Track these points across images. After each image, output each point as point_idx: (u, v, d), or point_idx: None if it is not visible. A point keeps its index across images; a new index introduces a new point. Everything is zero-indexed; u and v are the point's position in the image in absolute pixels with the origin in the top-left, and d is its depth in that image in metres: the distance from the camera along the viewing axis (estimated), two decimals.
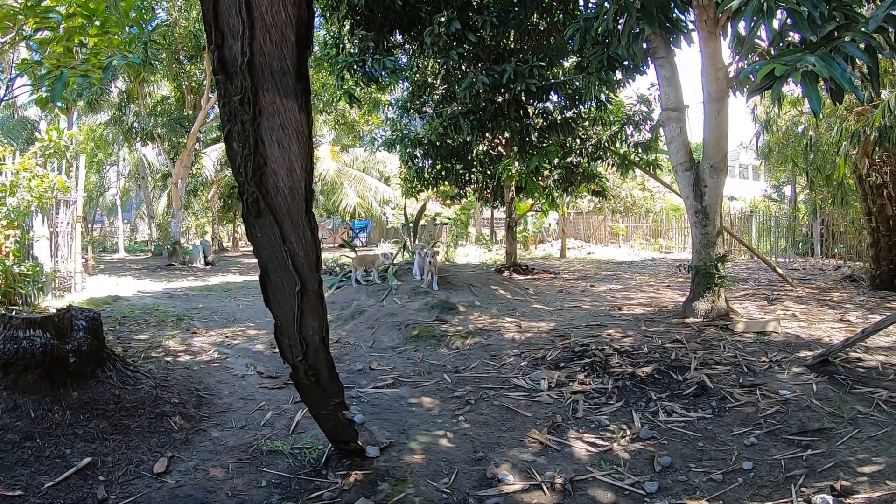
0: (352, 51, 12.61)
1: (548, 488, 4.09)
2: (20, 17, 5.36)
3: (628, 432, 5.07)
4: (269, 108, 3.29)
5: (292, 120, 3.31)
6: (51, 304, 10.02)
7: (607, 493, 4.06)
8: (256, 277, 3.83)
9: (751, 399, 5.62)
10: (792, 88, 14.86)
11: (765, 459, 4.43)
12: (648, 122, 15.33)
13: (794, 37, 6.96)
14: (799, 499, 3.78)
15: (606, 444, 4.87)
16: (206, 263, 22.41)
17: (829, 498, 3.67)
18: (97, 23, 5.40)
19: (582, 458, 4.63)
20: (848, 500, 3.68)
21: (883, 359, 6.68)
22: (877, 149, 11.45)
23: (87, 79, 5.05)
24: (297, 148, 3.36)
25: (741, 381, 6.13)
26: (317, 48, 16.41)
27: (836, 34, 5.17)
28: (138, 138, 23.93)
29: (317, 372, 4.05)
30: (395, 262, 13.85)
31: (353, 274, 12.04)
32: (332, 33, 13.35)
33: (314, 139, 29.03)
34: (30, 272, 9.88)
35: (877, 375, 6.12)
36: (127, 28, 6.10)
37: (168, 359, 7.27)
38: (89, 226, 32.18)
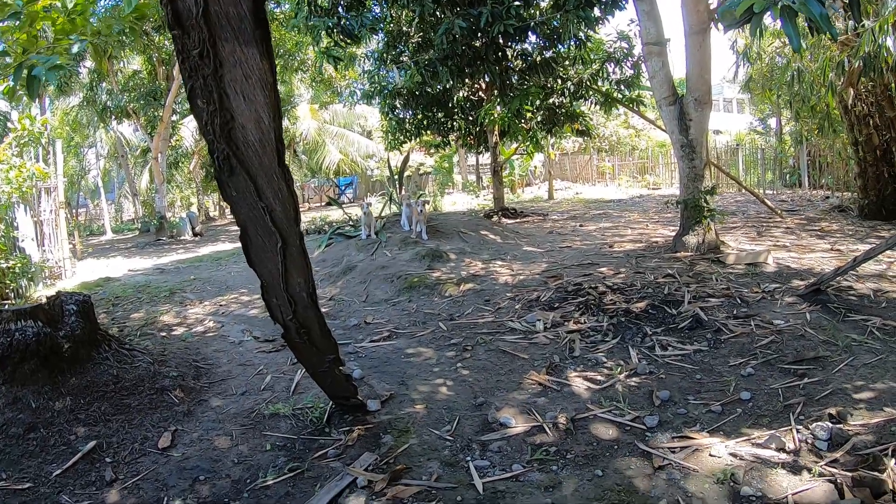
0: (324, 7, 12.33)
1: (550, 428, 4.13)
2: None
3: (626, 368, 5.12)
4: (229, 58, 3.18)
5: (255, 68, 3.20)
6: (42, 293, 9.90)
7: (609, 429, 4.10)
8: None
9: (745, 330, 5.67)
10: (775, 21, 14.72)
11: (762, 389, 4.48)
12: (629, 58, 15.14)
13: None
14: (798, 426, 3.82)
15: (605, 381, 4.91)
16: (195, 235, 22.17)
17: (829, 424, 3.71)
18: (59, 4, 5.20)
19: (582, 396, 4.67)
20: (846, 427, 3.72)
21: (874, 286, 6.75)
22: (862, 78, 11.37)
23: (57, 69, 4.85)
24: (262, 98, 3.25)
25: (735, 312, 6.18)
26: (287, 6, 16.07)
27: None
28: (113, 116, 23.41)
29: (308, 329, 4.01)
30: (382, 214, 13.78)
31: (364, 230, 11.85)
32: None
33: (292, 99, 28.68)
34: (17, 265, 9.78)
35: (869, 303, 6.19)
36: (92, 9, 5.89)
37: (163, 334, 7.22)
38: (74, 211, 31.72)
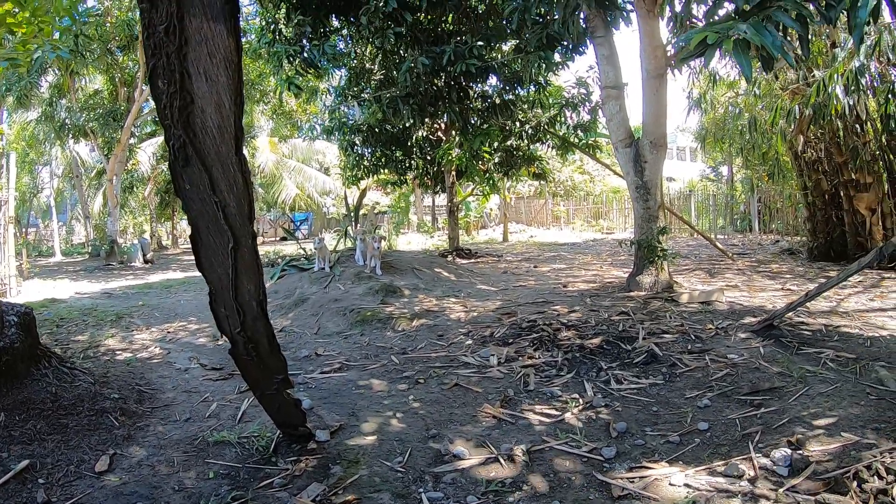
0: (288, 36, 12.34)
1: (505, 460, 4.02)
2: None
3: (581, 401, 5.05)
4: (195, 35, 3.08)
5: (220, 46, 3.11)
6: None
7: (566, 461, 4.00)
8: (197, 273, 3.63)
9: (700, 364, 5.67)
10: (729, 71, 15.20)
11: (719, 420, 4.45)
12: (587, 103, 15.39)
13: (729, 7, 7.03)
14: (757, 454, 3.79)
15: (560, 414, 4.83)
16: (146, 262, 21.72)
17: (788, 451, 3.69)
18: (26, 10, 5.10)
19: (537, 429, 4.57)
20: (806, 453, 3.70)
21: (826, 321, 6.87)
22: (812, 126, 11.72)
23: (14, 69, 4.74)
24: (225, 79, 3.16)
25: (689, 347, 6.20)
26: (252, 36, 16.08)
27: (768, 3, 5.20)
28: (70, 135, 23.08)
29: (256, 344, 3.84)
30: (336, 248, 13.65)
31: (318, 262, 11.73)
32: (267, 19, 13.05)
33: (252, 130, 28.50)
34: None
35: (821, 337, 6.27)
36: (57, 19, 5.79)
37: (107, 357, 6.97)
38: (23, 229, 30.97)
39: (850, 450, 3.68)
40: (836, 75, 9.37)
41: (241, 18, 3.30)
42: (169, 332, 8.50)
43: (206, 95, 3.16)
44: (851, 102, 9.82)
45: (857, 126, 11.70)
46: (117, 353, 7.25)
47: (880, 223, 12.08)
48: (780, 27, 5.06)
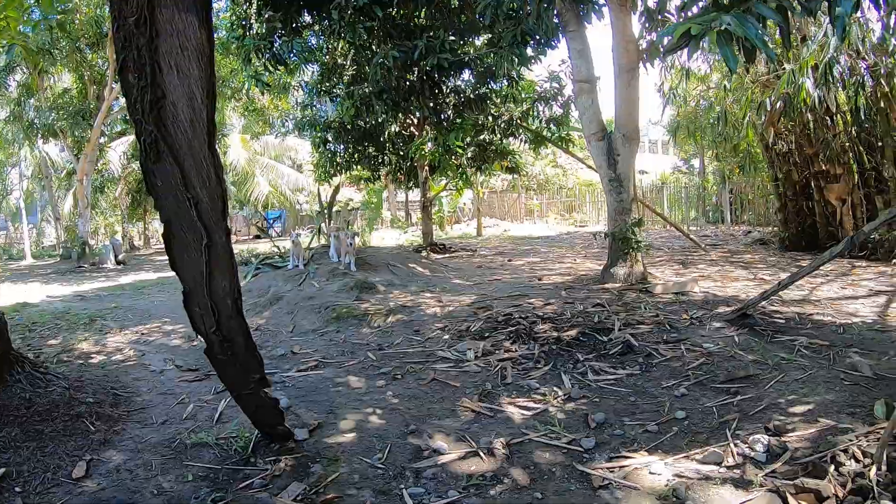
0: (259, 31, 12.23)
1: (485, 454, 4.01)
2: None
3: (559, 393, 5.06)
4: (166, 26, 3.03)
5: (192, 38, 3.06)
6: None
7: (545, 453, 4.01)
8: (170, 274, 3.56)
9: (676, 354, 5.72)
10: (700, 65, 15.32)
11: (697, 408, 4.50)
12: (560, 97, 15.42)
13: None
14: (735, 441, 3.83)
15: (539, 406, 4.84)
16: (118, 263, 21.37)
17: (766, 437, 3.73)
18: None
19: (516, 421, 4.57)
20: (783, 438, 3.75)
21: (799, 310, 6.99)
22: (782, 118, 11.85)
23: None
24: (197, 71, 3.11)
25: (665, 337, 6.25)
26: (223, 32, 15.94)
27: None
28: (40, 135, 22.74)
29: (232, 343, 3.78)
30: (310, 245, 13.59)
31: (293, 260, 11.68)
32: (238, 14, 12.91)
33: (223, 129, 28.21)
34: None
35: (795, 325, 6.37)
36: (25, 17, 5.69)
37: (81, 361, 6.85)
38: None
39: (827, 434, 3.74)
40: (805, 68, 9.48)
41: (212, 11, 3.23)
42: (143, 334, 8.39)
43: (177, 89, 3.10)
44: (821, 95, 9.94)
45: (828, 118, 11.86)
46: (91, 356, 7.14)
47: (850, 213, 12.26)
48: (760, 19, 5.08)
